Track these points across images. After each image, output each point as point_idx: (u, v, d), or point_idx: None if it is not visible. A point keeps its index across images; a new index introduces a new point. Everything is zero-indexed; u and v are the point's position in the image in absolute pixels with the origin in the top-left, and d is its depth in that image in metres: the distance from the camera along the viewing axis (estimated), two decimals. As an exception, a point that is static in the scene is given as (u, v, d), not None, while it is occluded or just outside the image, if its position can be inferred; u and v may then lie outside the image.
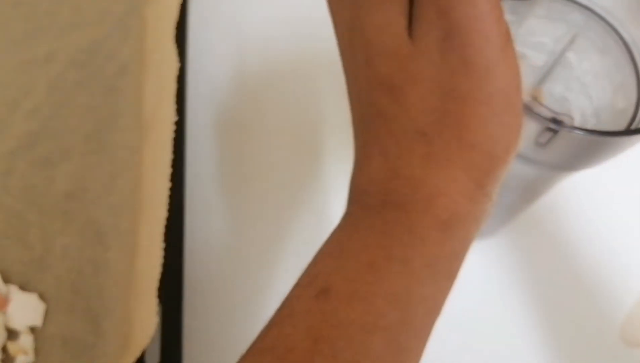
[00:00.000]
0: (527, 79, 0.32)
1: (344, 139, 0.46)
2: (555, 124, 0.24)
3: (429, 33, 0.20)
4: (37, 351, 0.33)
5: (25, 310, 0.33)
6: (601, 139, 0.24)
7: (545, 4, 0.31)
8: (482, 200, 0.22)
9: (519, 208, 0.37)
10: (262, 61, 0.48)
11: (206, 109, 0.46)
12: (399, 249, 0.21)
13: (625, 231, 0.43)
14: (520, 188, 0.33)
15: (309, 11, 0.42)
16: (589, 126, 0.24)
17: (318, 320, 0.20)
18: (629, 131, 0.26)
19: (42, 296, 0.34)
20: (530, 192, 0.34)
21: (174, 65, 0.39)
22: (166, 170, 0.36)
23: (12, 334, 0.33)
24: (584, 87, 0.32)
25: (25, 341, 0.33)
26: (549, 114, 0.24)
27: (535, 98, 0.24)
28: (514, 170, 0.30)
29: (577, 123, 0.24)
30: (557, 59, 0.33)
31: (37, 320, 0.33)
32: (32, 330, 0.33)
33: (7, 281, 0.34)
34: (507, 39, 0.20)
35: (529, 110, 0.24)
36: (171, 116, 0.37)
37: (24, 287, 0.34)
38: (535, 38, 0.33)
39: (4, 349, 0.33)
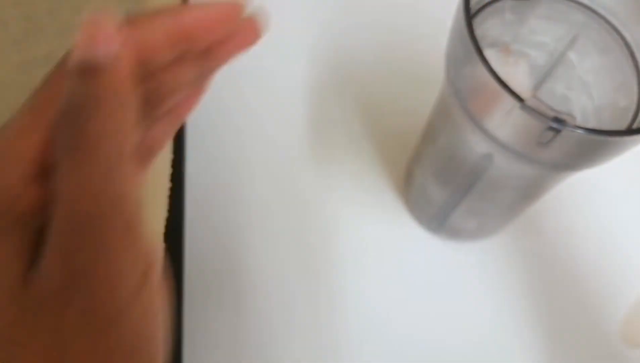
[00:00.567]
0: (529, 79, 0.32)
1: (346, 142, 0.46)
2: (557, 124, 0.24)
3: (49, 279, 0.17)
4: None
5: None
6: (603, 138, 0.24)
7: (546, 3, 0.31)
8: None
9: (519, 208, 0.37)
10: (262, 61, 0.48)
11: (206, 109, 0.46)
12: None
13: (625, 231, 0.43)
14: (520, 188, 0.33)
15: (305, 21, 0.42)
16: (590, 126, 0.24)
17: None
18: (632, 131, 0.26)
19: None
20: (530, 192, 0.34)
21: (174, 65, 0.39)
22: (166, 170, 0.36)
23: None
24: (585, 87, 0.32)
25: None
26: (551, 114, 0.24)
27: (535, 98, 0.24)
28: (514, 170, 0.30)
29: (578, 122, 0.24)
30: (558, 59, 0.33)
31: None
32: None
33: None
34: (143, 280, 0.18)
35: (530, 110, 0.24)
36: (171, 116, 0.37)
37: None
38: (537, 37, 0.33)
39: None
